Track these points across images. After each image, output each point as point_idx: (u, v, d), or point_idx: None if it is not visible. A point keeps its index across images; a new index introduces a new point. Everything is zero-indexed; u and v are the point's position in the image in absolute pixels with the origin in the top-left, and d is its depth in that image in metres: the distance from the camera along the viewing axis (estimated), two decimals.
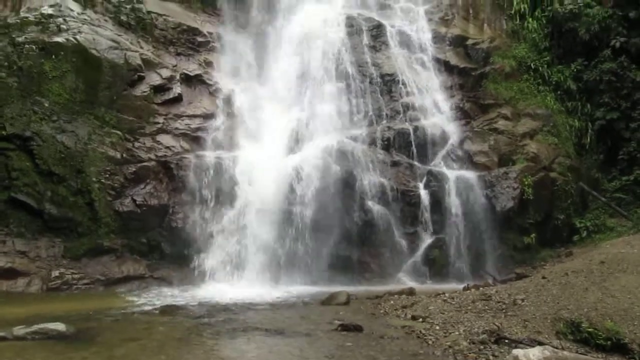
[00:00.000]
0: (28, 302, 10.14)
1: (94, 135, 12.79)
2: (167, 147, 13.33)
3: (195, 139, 13.76)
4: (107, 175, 12.54)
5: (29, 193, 12.06)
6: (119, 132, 13.07)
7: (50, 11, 13.49)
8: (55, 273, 11.46)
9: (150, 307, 9.53)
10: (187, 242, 12.44)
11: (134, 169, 12.77)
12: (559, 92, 15.01)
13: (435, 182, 12.97)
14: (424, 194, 12.85)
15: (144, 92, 13.70)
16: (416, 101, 14.33)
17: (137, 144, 13.16)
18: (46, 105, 12.55)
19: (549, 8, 15.24)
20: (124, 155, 12.90)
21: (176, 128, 13.74)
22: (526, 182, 13.01)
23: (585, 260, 9.22)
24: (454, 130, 14.03)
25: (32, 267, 11.50)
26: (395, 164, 13.34)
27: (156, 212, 12.65)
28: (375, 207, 12.60)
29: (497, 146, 13.78)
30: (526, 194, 12.94)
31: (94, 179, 12.43)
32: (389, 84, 14.63)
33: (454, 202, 12.75)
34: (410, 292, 10.33)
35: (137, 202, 12.54)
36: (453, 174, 13.07)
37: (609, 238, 12.26)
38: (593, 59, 14.75)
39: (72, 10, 13.79)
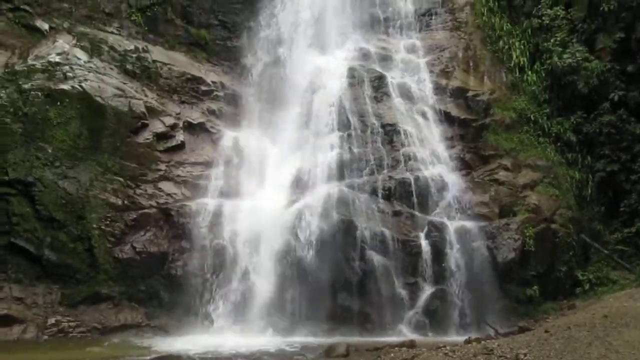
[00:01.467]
0: (21, 350, 9.98)
1: (96, 181, 12.84)
2: (169, 195, 13.37)
3: (196, 187, 13.82)
4: (108, 222, 12.54)
5: (29, 239, 12.03)
6: (121, 179, 13.12)
7: (57, 59, 13.73)
8: (52, 320, 11.33)
9: (147, 358, 9.36)
10: (186, 290, 12.33)
11: (134, 216, 12.79)
12: (559, 144, 15.10)
13: (436, 232, 12.92)
14: (424, 244, 12.78)
15: (147, 139, 13.82)
16: (417, 151, 14.42)
17: (138, 191, 13.20)
18: (49, 151, 12.65)
19: (548, 61, 15.47)
20: (125, 202, 12.93)
21: (178, 175, 13.81)
22: (527, 234, 12.94)
23: (589, 314, 9.10)
24: (455, 181, 14.05)
25: (28, 314, 11.37)
26: (396, 213, 13.32)
27: (156, 259, 12.60)
28: (375, 256, 12.52)
29: (498, 197, 13.78)
30: (528, 246, 12.85)
31: (94, 226, 12.43)
32: (390, 134, 14.75)
33: (455, 253, 12.66)
34: (411, 344, 10.16)
35: (137, 249, 12.50)
36: (454, 225, 13.02)
37: (612, 291, 12.12)
38: (592, 111, 14.89)
39: (79, 58, 14.04)
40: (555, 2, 15.75)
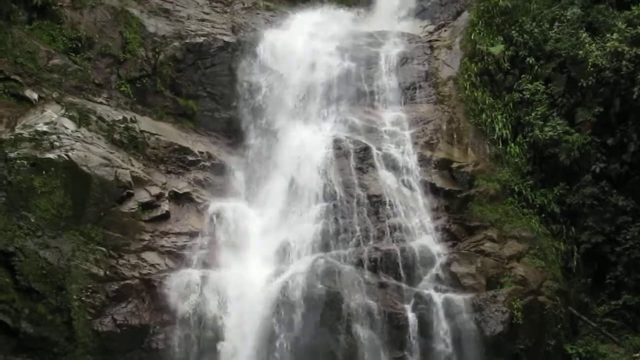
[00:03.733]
0: None
1: (78, 251, 12.67)
2: (152, 265, 13.19)
3: (180, 257, 13.65)
4: (89, 293, 12.32)
5: (6, 310, 11.72)
6: (103, 249, 12.95)
7: (45, 128, 13.79)
8: None
9: None
10: None
11: (116, 287, 12.58)
12: (543, 215, 15.19)
13: (423, 304, 12.80)
14: (411, 317, 12.63)
15: (132, 209, 13.74)
16: (403, 222, 14.43)
17: (121, 261, 13.03)
18: (32, 220, 12.52)
19: (530, 134, 15.76)
20: (107, 272, 12.74)
21: (162, 245, 13.67)
22: (515, 306, 12.86)
23: None
24: (441, 252, 14.02)
25: None
26: (382, 285, 13.21)
27: (136, 332, 12.32)
28: (361, 330, 12.34)
29: (485, 269, 13.74)
30: (515, 319, 12.74)
31: (74, 297, 12.18)
32: (375, 205, 14.79)
33: (442, 326, 12.51)
34: None
35: (118, 322, 12.24)
36: (441, 297, 12.91)
37: None
38: (575, 183, 15.09)
39: (66, 127, 14.11)
40: (535, 77, 16.19)
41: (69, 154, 13.40)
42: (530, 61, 16.33)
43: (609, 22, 14.91)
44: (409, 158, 15.71)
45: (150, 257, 13.37)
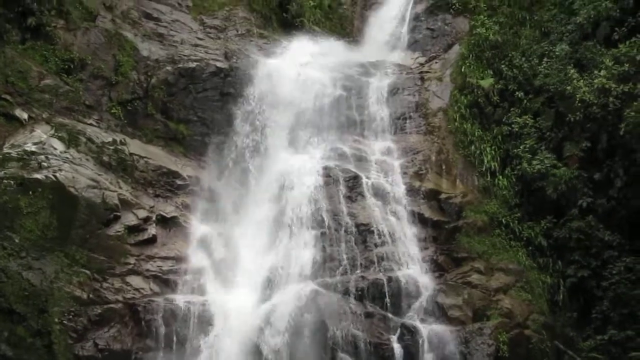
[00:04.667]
0: None
1: (62, 273, 12.51)
2: (136, 289, 13.06)
3: (166, 282, 13.54)
4: (71, 317, 12.15)
5: None
6: (87, 272, 12.81)
7: (33, 148, 13.69)
8: None
9: None
10: None
11: (99, 311, 12.44)
12: (530, 248, 15.23)
13: (409, 336, 12.73)
14: (397, 348, 12.55)
15: (118, 232, 13.64)
16: (390, 252, 14.42)
17: (105, 285, 12.90)
18: (16, 241, 12.36)
19: (518, 167, 15.87)
20: (91, 295, 12.60)
21: (147, 270, 13.55)
22: (501, 339, 12.81)
23: None
24: (427, 283, 13.99)
25: None
26: (368, 315, 13.14)
27: (118, 357, 12.18)
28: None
29: (471, 300, 13.71)
30: (502, 352, 12.68)
31: (55, 320, 12.00)
32: (363, 233, 14.78)
33: (427, 358, 12.43)
34: None
35: (99, 347, 12.08)
36: (427, 328, 12.86)
37: None
38: (562, 217, 15.16)
39: (55, 148, 14.02)
40: (524, 111, 16.37)
41: (57, 174, 13.30)
42: (520, 95, 16.54)
43: (597, 59, 15.13)
44: (397, 188, 15.76)
45: (135, 281, 13.24)
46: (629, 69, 14.28)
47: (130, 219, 13.96)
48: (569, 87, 15.05)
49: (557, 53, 16.02)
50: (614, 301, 13.94)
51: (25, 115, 14.45)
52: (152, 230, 14.16)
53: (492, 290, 14.07)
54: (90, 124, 15.34)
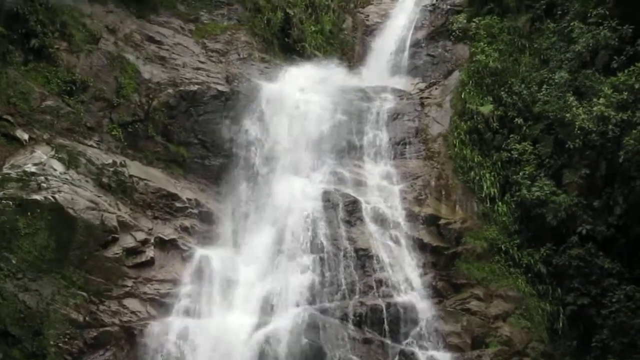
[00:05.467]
0: None
1: (58, 295, 12.45)
2: (133, 312, 12.98)
3: (163, 305, 13.45)
4: (66, 339, 12.05)
5: None
6: (84, 294, 12.75)
7: (33, 169, 13.73)
8: None
9: None
10: None
11: (95, 334, 12.35)
12: (529, 275, 15.16)
13: None
14: None
15: (116, 253, 13.60)
16: (389, 277, 14.36)
17: (102, 307, 12.82)
18: (13, 262, 12.34)
19: (518, 194, 15.86)
20: (87, 318, 12.51)
21: (145, 292, 13.47)
22: None
23: None
24: (426, 309, 13.90)
25: None
26: (366, 341, 13.04)
27: None
28: None
29: (470, 327, 13.62)
30: None
31: (51, 342, 11.92)
32: (362, 258, 14.74)
33: None
34: None
35: None
36: (425, 355, 12.77)
37: None
38: (561, 244, 15.11)
39: (55, 169, 14.05)
40: (523, 137, 16.43)
41: (56, 195, 13.31)
42: (519, 122, 16.60)
43: (596, 87, 15.22)
44: (397, 213, 15.75)
45: (132, 304, 13.16)
46: (627, 97, 14.35)
47: (128, 241, 13.93)
48: (568, 115, 15.11)
49: (556, 80, 16.11)
50: (614, 330, 13.83)
51: (25, 136, 14.49)
52: (150, 252, 14.11)
53: (491, 317, 13.98)
54: (91, 146, 15.37)
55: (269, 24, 20.79)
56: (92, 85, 16.26)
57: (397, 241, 15.33)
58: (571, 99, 15.22)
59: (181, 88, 17.25)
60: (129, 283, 13.47)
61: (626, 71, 14.67)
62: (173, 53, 18.38)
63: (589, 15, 16.14)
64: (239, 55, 19.53)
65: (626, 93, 14.36)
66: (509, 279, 14.96)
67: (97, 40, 17.13)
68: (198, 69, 18.20)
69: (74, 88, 15.99)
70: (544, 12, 18.12)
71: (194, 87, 17.41)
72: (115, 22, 17.80)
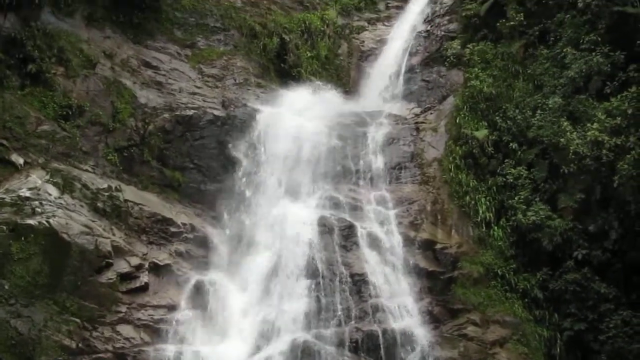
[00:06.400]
0: None
1: (51, 321, 12.32)
2: (127, 339, 12.83)
3: (156, 331, 13.32)
4: None
5: None
6: (77, 320, 12.62)
7: (28, 194, 13.68)
8: None
9: None
10: None
11: None
12: (526, 300, 15.09)
13: None
14: None
15: (110, 279, 13.49)
16: (385, 303, 14.28)
17: (95, 333, 12.68)
18: (6, 287, 12.24)
19: (513, 218, 15.86)
20: (80, 344, 12.38)
21: (138, 318, 13.34)
22: None
23: None
24: (423, 335, 13.79)
25: None
26: None
27: None
28: None
29: (467, 353, 13.51)
30: None
31: None
32: (358, 284, 14.67)
33: None
34: None
35: None
36: None
37: None
38: (558, 268, 15.07)
39: (49, 194, 14.01)
40: (518, 162, 16.48)
41: (50, 220, 13.24)
42: (514, 146, 16.69)
43: (589, 112, 15.33)
44: (393, 237, 15.72)
45: (126, 330, 13.02)
46: (621, 122, 14.44)
47: (122, 266, 13.83)
48: (562, 139, 15.19)
49: (550, 105, 16.22)
50: (612, 356, 13.74)
51: (21, 161, 14.47)
52: (144, 278, 14.01)
53: (488, 343, 13.88)
54: (86, 170, 15.35)
55: (265, 50, 20.97)
56: (88, 110, 16.30)
57: (393, 266, 15.28)
58: (565, 123, 15.32)
59: (177, 113, 17.31)
60: (123, 309, 13.34)
61: (619, 96, 14.79)
62: (169, 78, 18.47)
63: (581, 41, 16.34)
64: (235, 80, 19.65)
65: (619, 118, 14.46)
66: (506, 304, 14.88)
67: (94, 65, 17.22)
68: (194, 93, 18.29)
69: (70, 112, 16.02)
70: (537, 38, 18.32)
71: (190, 112, 17.47)
72: (112, 47, 17.91)
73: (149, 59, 18.62)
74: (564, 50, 16.53)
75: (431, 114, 19.78)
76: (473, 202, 16.41)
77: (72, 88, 16.48)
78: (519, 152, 16.58)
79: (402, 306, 14.43)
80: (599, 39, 15.95)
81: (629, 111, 14.38)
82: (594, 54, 15.75)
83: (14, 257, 12.52)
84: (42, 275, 12.69)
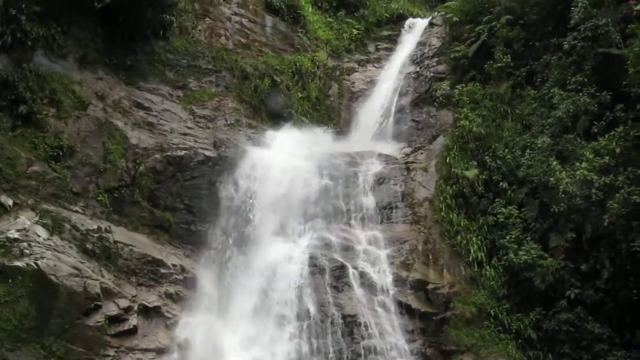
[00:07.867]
0: None
1: None
2: None
3: None
4: None
5: None
6: None
7: (16, 235, 13.53)
8: None
9: None
10: None
11: None
12: (520, 341, 14.96)
13: None
14: None
15: (98, 322, 13.25)
16: (378, 344, 14.11)
17: None
18: None
19: (505, 257, 15.85)
20: None
21: None
22: None
23: None
24: None
25: None
26: None
27: None
28: None
29: None
30: None
31: None
32: (350, 325, 14.51)
33: None
34: None
35: None
36: None
37: None
38: (551, 308, 15.01)
39: (38, 235, 13.86)
40: (508, 201, 16.56)
41: (39, 262, 13.07)
42: (504, 186, 16.79)
43: (578, 152, 15.50)
44: (384, 278, 15.63)
45: None
46: (609, 161, 14.62)
47: (111, 308, 13.61)
48: (552, 179, 15.30)
49: (539, 145, 16.38)
50: None
51: (10, 202, 14.34)
52: (133, 320, 13.78)
53: None
54: (76, 211, 15.23)
55: (256, 91, 21.13)
56: (79, 151, 16.25)
57: (385, 307, 15.15)
58: (554, 163, 15.45)
59: (168, 153, 17.31)
60: (111, 353, 13.07)
61: (607, 136, 15.00)
62: (161, 119, 18.52)
63: (568, 82, 16.62)
64: (226, 121, 19.74)
65: (608, 157, 14.63)
66: (499, 345, 14.74)
67: (85, 106, 17.23)
68: (186, 134, 18.33)
69: (61, 153, 15.94)
70: (524, 79, 18.64)
71: (181, 153, 17.48)
72: (104, 88, 17.98)
73: (141, 100, 18.69)
74: (551, 90, 16.79)
75: (421, 153, 19.90)
76: (464, 242, 16.43)
77: (63, 129, 16.46)
78: (509, 192, 16.68)
79: (394, 348, 14.26)
80: (585, 79, 16.23)
81: (617, 150, 14.57)
82: (580, 94, 16.00)
83: (1, 300, 12.32)
84: (29, 319, 12.46)
